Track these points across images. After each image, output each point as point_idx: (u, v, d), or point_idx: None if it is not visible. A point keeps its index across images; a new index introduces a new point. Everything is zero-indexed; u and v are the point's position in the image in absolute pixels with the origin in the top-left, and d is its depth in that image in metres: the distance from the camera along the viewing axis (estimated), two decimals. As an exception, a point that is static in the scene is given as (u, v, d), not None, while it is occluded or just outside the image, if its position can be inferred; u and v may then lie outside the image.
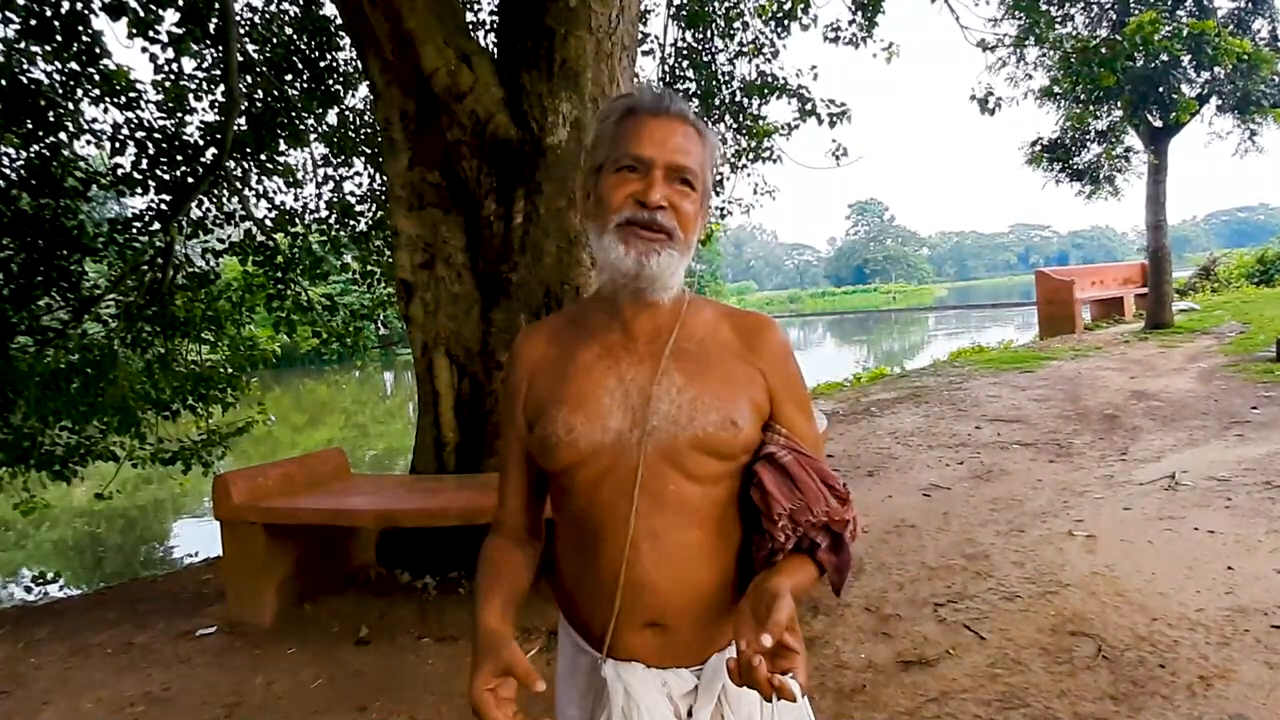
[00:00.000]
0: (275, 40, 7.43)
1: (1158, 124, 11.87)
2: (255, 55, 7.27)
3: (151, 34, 6.25)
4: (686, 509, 1.09)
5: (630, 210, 1.06)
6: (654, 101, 1.11)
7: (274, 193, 8.04)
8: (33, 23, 5.69)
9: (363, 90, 7.88)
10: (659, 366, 1.11)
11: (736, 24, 8.68)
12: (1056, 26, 10.86)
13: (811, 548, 1.10)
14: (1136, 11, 10.27)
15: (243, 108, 6.81)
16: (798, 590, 1.04)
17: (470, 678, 0.99)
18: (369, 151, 8.17)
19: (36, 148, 6.03)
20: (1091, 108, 12.22)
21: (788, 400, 1.16)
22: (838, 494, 1.11)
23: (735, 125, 8.87)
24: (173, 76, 6.73)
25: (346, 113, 8.32)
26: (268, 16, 7.60)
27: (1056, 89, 11.42)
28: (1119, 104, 11.71)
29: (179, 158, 6.67)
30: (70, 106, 6.23)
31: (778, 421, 1.15)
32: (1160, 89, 11.15)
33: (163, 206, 6.68)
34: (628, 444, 1.09)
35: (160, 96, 6.75)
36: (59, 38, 5.86)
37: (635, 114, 1.10)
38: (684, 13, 8.36)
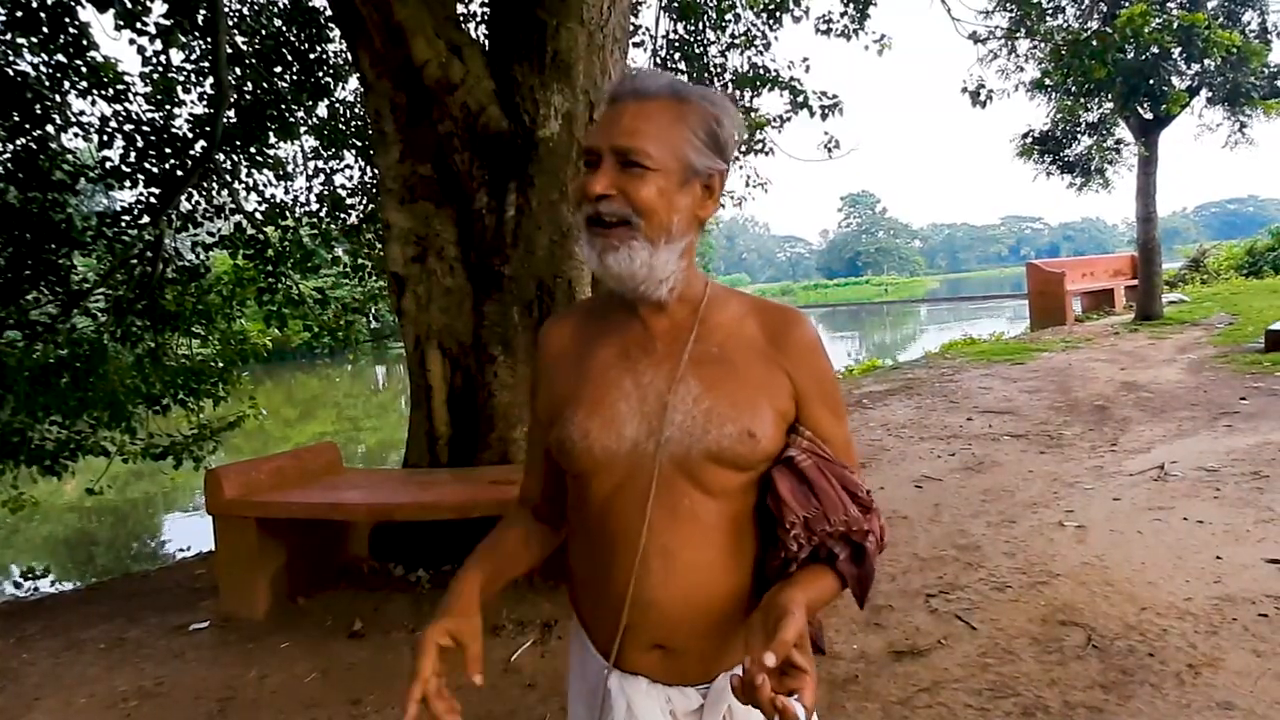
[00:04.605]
0: (264, 32, 7.38)
1: (1148, 116, 11.89)
2: (244, 47, 7.22)
3: (139, 26, 6.20)
4: (701, 525, 1.04)
5: (586, 207, 1.01)
6: (617, 85, 1.04)
7: (264, 186, 8.01)
8: (18, 14, 5.64)
9: (353, 82, 7.83)
10: (677, 371, 1.05)
11: (728, 16, 8.67)
12: (1047, 19, 10.88)
13: (830, 558, 1.04)
14: (1127, 4, 10.28)
15: (232, 100, 6.77)
16: (814, 603, 0.99)
17: (431, 623, 1.05)
18: (360, 144, 8.13)
19: (23, 141, 5.97)
20: (1082, 100, 12.25)
21: (815, 401, 1.09)
22: (860, 502, 1.05)
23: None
24: (161, 69, 6.69)
25: (337, 105, 8.28)
26: (256, 8, 7.55)
27: (1047, 81, 11.42)
28: (1110, 96, 11.73)
29: (168, 150, 6.62)
30: (57, 99, 6.19)
31: (803, 423, 1.08)
32: (1151, 81, 11.16)
33: (152, 200, 6.64)
34: (643, 454, 1.04)
35: (149, 89, 6.71)
36: (45, 29, 5.81)
37: (606, 103, 1.05)
38: (676, 4, 8.33)
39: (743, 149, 9.07)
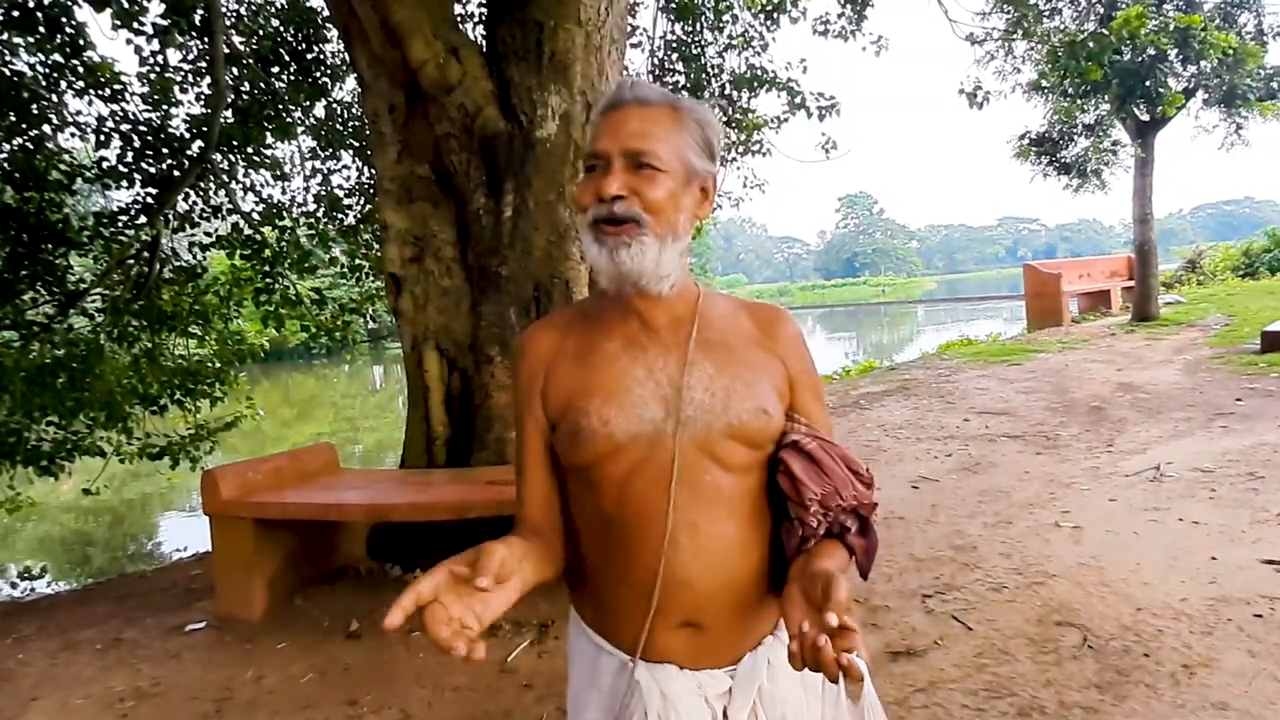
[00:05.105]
0: (262, 32, 7.37)
1: (1145, 117, 11.92)
2: (241, 47, 7.21)
3: (136, 26, 6.19)
4: (722, 500, 1.09)
5: (595, 208, 1.05)
6: (616, 94, 1.09)
7: (261, 186, 7.99)
8: (15, 14, 5.63)
9: (350, 83, 7.83)
10: (686, 357, 1.11)
11: (726, 16, 8.68)
12: (1044, 20, 10.92)
13: (841, 532, 1.10)
14: (1124, 5, 10.31)
15: (229, 100, 6.76)
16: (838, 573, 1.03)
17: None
18: (357, 144, 8.12)
19: (20, 141, 5.96)
20: (1079, 101, 12.28)
21: (805, 388, 1.18)
22: (862, 478, 1.12)
23: (725, 119, 8.87)
24: (158, 69, 6.67)
25: (334, 105, 8.27)
26: (254, 8, 7.54)
27: (1044, 83, 11.48)
28: (1106, 98, 11.76)
29: (165, 151, 6.61)
30: (54, 99, 6.17)
31: (796, 409, 1.16)
32: (1147, 83, 11.19)
33: (149, 200, 6.62)
34: (663, 434, 1.08)
35: (145, 89, 6.69)
36: (42, 29, 5.80)
37: (602, 111, 1.09)
38: (673, 5, 8.33)
39: (740, 150, 9.08)
